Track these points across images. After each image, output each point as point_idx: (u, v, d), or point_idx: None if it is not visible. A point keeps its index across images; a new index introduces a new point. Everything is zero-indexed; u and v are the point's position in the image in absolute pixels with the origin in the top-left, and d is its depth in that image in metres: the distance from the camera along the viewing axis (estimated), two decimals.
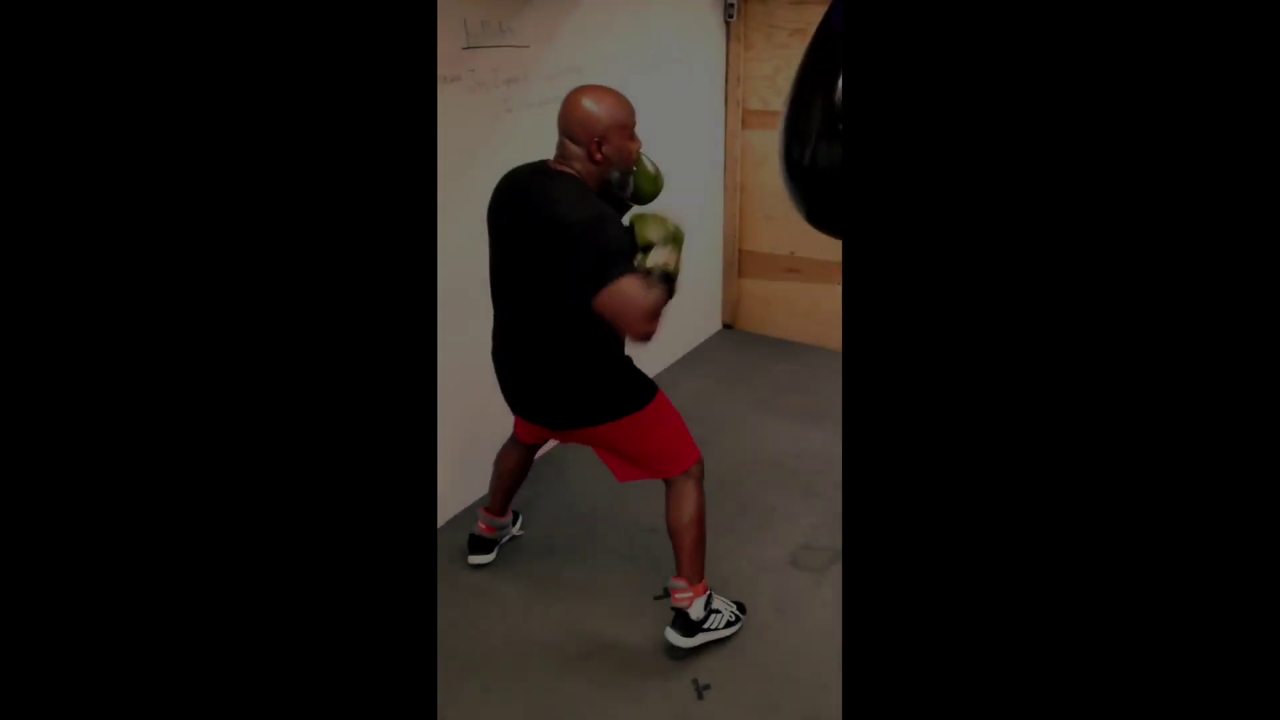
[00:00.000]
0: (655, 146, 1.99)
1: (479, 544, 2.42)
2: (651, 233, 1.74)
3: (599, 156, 1.79)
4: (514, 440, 2.33)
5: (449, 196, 2.32)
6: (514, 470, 2.35)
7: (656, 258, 1.71)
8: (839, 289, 3.65)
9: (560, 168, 1.82)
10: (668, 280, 1.71)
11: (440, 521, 2.61)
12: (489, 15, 2.32)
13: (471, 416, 2.54)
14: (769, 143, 3.62)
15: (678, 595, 2.06)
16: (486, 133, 2.43)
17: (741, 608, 2.19)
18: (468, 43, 2.28)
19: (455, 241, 2.34)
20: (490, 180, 2.39)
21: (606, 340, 1.87)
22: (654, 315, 1.68)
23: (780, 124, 1.90)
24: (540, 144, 2.56)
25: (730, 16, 3.47)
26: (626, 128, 1.82)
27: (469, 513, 2.65)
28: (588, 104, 1.78)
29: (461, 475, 2.66)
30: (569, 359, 1.89)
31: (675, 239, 1.76)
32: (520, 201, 1.84)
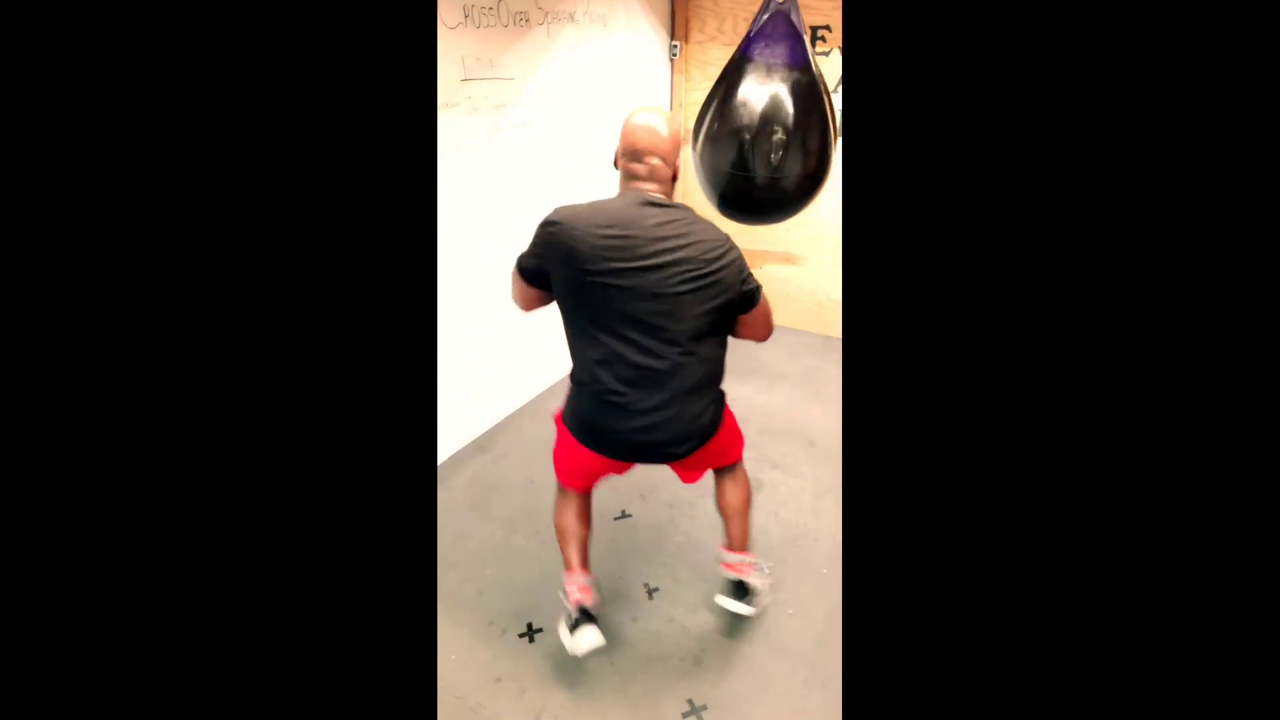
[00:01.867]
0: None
1: (588, 616, 1.68)
2: None
3: (676, 174, 1.50)
4: (575, 495, 1.75)
5: (448, 199, 2.29)
6: (586, 523, 1.78)
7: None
8: (766, 272, 3.65)
9: (669, 200, 1.47)
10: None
11: (441, 459, 2.58)
12: (482, 53, 2.30)
13: (463, 377, 2.51)
14: None
15: (740, 567, 1.78)
16: (480, 148, 2.40)
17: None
18: (465, 75, 2.25)
19: (452, 236, 2.32)
20: (482, 182, 2.37)
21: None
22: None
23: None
24: (522, 157, 2.55)
25: (674, 54, 3.44)
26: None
27: (465, 449, 2.63)
28: (673, 127, 1.48)
29: (457, 419, 2.63)
30: (713, 383, 1.56)
31: None
32: (650, 241, 1.39)
